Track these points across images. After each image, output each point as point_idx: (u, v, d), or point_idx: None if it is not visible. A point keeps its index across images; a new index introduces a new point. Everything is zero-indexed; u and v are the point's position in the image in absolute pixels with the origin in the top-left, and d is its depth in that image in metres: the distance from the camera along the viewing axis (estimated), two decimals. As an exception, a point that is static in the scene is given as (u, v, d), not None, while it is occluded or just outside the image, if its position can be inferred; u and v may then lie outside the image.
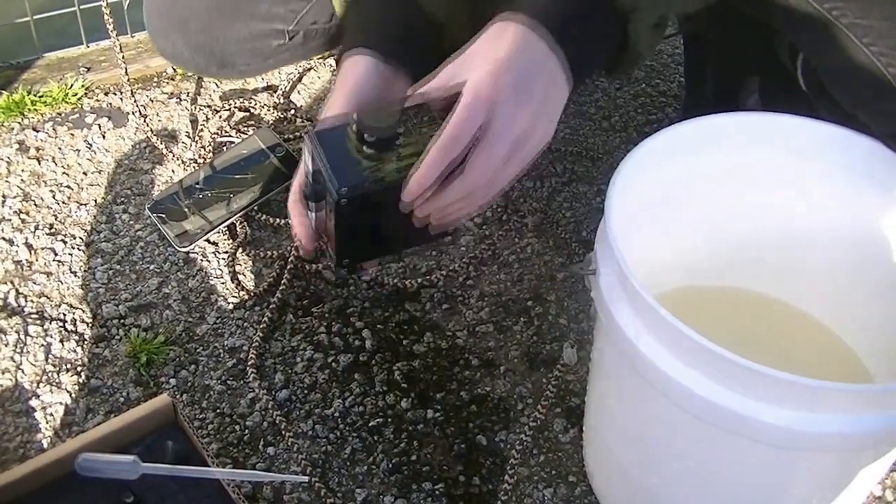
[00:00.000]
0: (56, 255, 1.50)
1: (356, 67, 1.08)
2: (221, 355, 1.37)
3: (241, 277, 1.47)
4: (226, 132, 1.68)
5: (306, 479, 1.23)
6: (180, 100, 1.76)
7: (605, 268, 0.97)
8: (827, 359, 1.18)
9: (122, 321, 1.41)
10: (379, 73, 1.10)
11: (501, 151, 0.97)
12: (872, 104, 1.19)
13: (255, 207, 1.54)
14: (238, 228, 1.53)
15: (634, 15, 1.00)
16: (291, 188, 1.08)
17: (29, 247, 1.51)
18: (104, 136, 1.69)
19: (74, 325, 1.40)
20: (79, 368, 1.35)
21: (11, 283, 1.46)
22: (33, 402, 1.32)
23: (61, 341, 1.38)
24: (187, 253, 1.49)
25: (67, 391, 1.33)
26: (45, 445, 1.28)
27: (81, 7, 1.82)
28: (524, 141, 0.99)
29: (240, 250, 1.50)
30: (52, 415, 1.31)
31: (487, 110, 0.94)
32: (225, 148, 1.65)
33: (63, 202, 1.58)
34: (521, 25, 0.96)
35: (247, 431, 1.29)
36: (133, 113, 1.73)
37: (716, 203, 1.17)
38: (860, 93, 1.20)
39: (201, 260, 1.49)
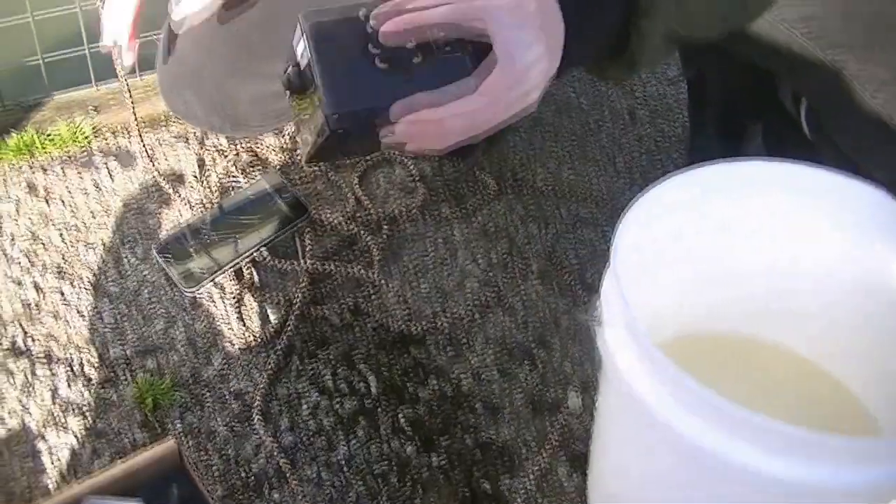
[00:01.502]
0: (64, 296, 1.51)
1: None
2: (227, 399, 1.38)
3: (247, 321, 1.48)
4: (233, 175, 1.70)
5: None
6: (188, 142, 1.78)
7: (610, 316, 0.98)
8: (833, 408, 1.18)
9: (128, 364, 1.42)
10: None
11: (510, 79, 0.95)
12: (875, 151, 1.20)
13: (262, 250, 1.55)
14: (244, 271, 1.54)
15: (645, 20, 1.00)
16: None
17: (37, 288, 1.52)
18: (112, 178, 1.70)
19: (81, 367, 1.41)
20: (85, 411, 1.36)
21: (19, 323, 1.47)
22: (40, 445, 1.33)
23: (68, 383, 1.39)
24: (194, 296, 1.50)
25: (74, 434, 1.34)
26: (51, 488, 1.29)
27: (91, 48, 1.83)
28: (524, 79, 0.97)
29: (246, 293, 1.51)
30: (58, 458, 1.31)
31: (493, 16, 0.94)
32: (232, 190, 1.66)
33: (71, 243, 1.59)
34: None
35: (252, 476, 1.30)
36: (141, 154, 1.74)
37: (720, 250, 1.18)
38: (863, 140, 1.21)
39: (208, 303, 1.50)
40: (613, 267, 0.97)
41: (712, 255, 1.17)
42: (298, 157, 1.46)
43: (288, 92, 0.96)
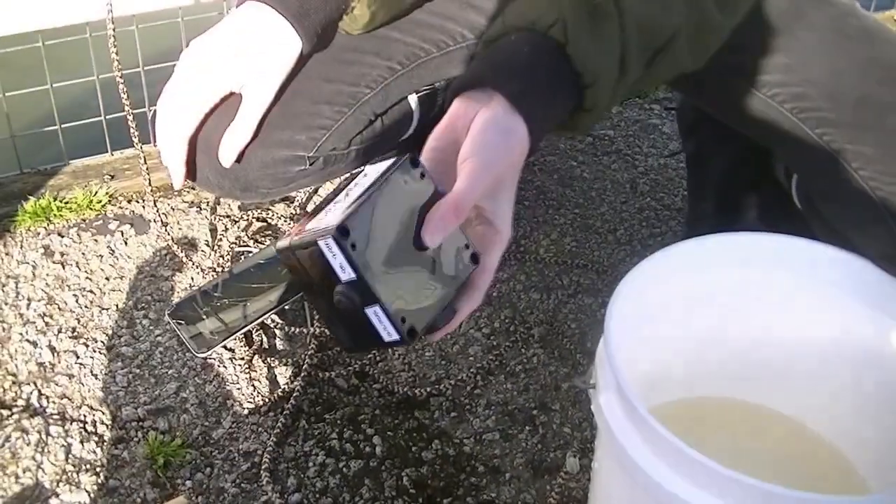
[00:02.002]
0: (78, 357, 1.54)
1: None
2: (236, 459, 1.41)
3: (256, 383, 1.51)
4: (243, 242, 1.74)
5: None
6: (200, 209, 1.82)
7: (604, 381, 1.01)
8: (823, 468, 1.21)
9: (140, 424, 1.45)
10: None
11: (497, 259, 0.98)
12: (861, 226, 1.24)
13: (271, 315, 1.59)
14: (254, 336, 1.57)
15: (595, 86, 1.03)
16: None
17: (52, 349, 1.56)
18: (126, 243, 1.75)
19: (94, 426, 1.45)
20: (98, 469, 1.39)
21: (34, 384, 1.50)
22: (53, 502, 1.35)
23: (81, 442, 1.42)
24: (205, 358, 1.54)
25: (86, 491, 1.37)
26: (64, 544, 1.32)
27: (107, 117, 1.88)
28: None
29: (255, 357, 1.55)
30: (71, 514, 1.35)
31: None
32: (243, 257, 1.70)
33: (86, 306, 1.63)
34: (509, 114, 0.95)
35: (259, 534, 1.33)
36: (155, 221, 1.79)
37: (715, 318, 1.21)
38: (850, 215, 1.24)
39: (218, 366, 1.54)
40: (607, 334, 1.01)
41: (704, 323, 1.20)
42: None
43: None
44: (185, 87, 1.26)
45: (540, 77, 0.97)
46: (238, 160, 1.29)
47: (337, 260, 0.88)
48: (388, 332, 0.88)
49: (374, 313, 0.88)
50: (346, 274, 0.88)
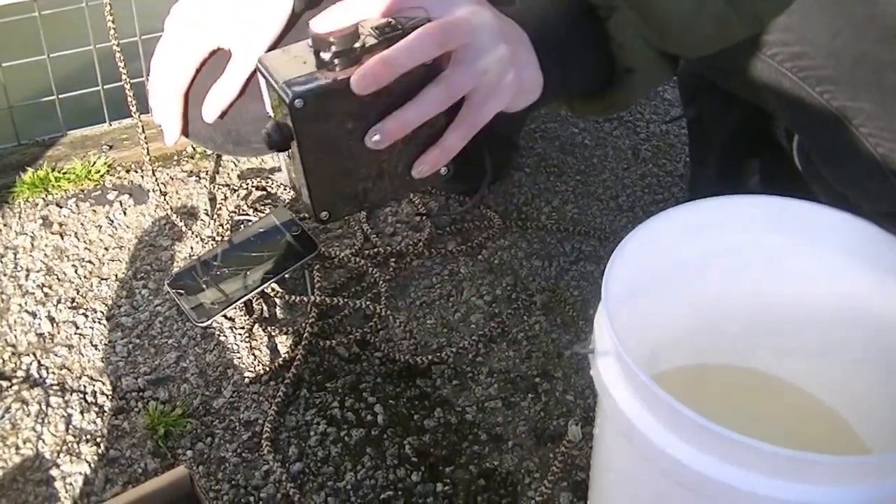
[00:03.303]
0: (77, 328, 1.54)
1: None
2: (237, 428, 1.41)
3: (256, 353, 1.51)
4: (243, 210, 1.73)
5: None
6: (199, 178, 1.81)
7: (603, 346, 1.01)
8: (825, 432, 1.20)
9: (140, 394, 1.45)
10: None
11: (483, 64, 0.93)
12: (862, 184, 1.23)
13: (272, 284, 1.58)
14: (254, 304, 1.57)
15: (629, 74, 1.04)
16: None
17: (51, 320, 1.55)
18: (125, 213, 1.74)
19: (94, 397, 1.44)
20: (98, 439, 1.39)
21: (34, 354, 1.50)
22: (53, 472, 1.35)
23: (81, 413, 1.42)
24: (205, 328, 1.53)
25: (87, 462, 1.36)
26: (65, 515, 1.31)
27: (105, 87, 1.87)
28: (506, 69, 0.96)
29: (256, 326, 1.54)
30: (71, 485, 1.34)
31: (465, 30, 0.92)
32: (242, 226, 1.70)
33: (85, 277, 1.62)
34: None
35: (261, 503, 1.33)
36: (153, 190, 1.78)
37: (716, 283, 1.20)
38: (851, 172, 1.24)
39: (218, 335, 1.53)
40: (605, 299, 1.00)
41: (706, 289, 1.19)
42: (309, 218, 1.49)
43: (282, 156, 0.96)
44: (176, 43, 1.26)
45: (566, 27, 1.00)
46: (222, 116, 1.28)
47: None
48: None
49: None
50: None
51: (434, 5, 0.94)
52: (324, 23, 0.91)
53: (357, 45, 0.90)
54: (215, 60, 1.27)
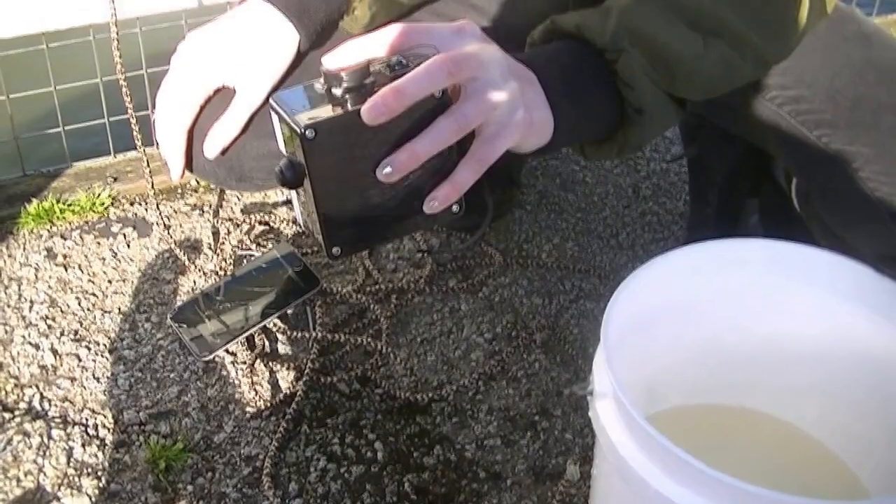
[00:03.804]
0: (80, 360, 1.55)
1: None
2: (238, 463, 1.42)
3: (258, 388, 1.51)
4: (246, 245, 1.75)
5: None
6: (203, 212, 1.83)
7: (601, 387, 1.02)
8: (824, 477, 1.21)
9: (142, 427, 1.46)
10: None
11: (493, 98, 0.94)
12: (860, 226, 1.25)
13: (273, 319, 1.59)
14: (256, 339, 1.58)
15: (635, 124, 1.06)
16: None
17: (54, 352, 1.56)
18: (129, 246, 1.75)
19: (96, 430, 1.45)
20: (99, 473, 1.39)
21: (36, 386, 1.50)
22: (54, 505, 1.36)
23: (83, 446, 1.43)
24: (207, 362, 1.54)
25: (88, 495, 1.37)
26: (66, 548, 1.32)
27: (110, 119, 1.89)
28: (516, 106, 0.96)
29: (257, 361, 1.55)
30: (72, 518, 1.35)
31: (475, 63, 0.93)
32: (245, 260, 1.71)
33: (88, 309, 1.63)
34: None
35: (260, 539, 1.33)
36: (157, 223, 1.79)
37: (714, 324, 1.21)
38: (849, 215, 1.25)
39: (220, 369, 1.54)
40: (604, 340, 1.01)
41: (704, 330, 1.20)
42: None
43: (294, 193, 0.97)
44: (181, 80, 1.27)
45: (575, 70, 1.02)
46: (224, 152, 1.29)
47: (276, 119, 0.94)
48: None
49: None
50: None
51: (443, 43, 0.95)
52: (335, 59, 0.93)
53: (368, 80, 0.92)
54: (220, 98, 1.29)
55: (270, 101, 0.95)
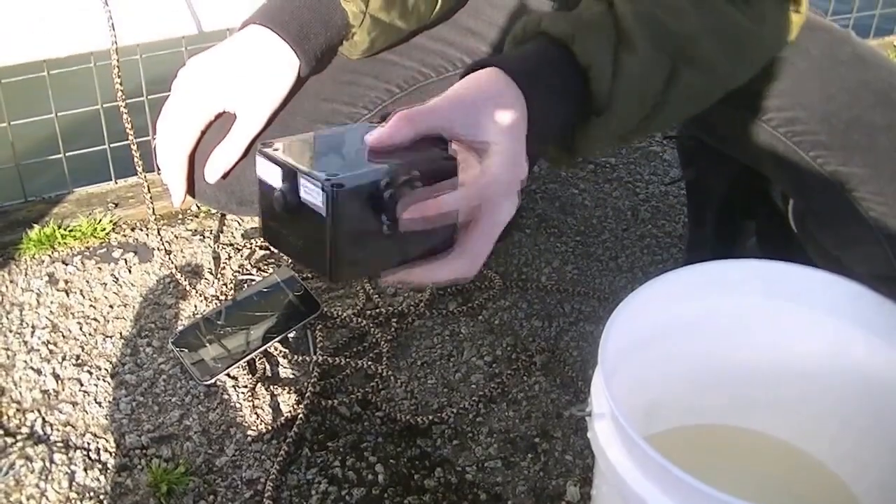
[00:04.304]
0: (82, 385, 1.55)
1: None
2: (239, 487, 1.42)
3: (259, 411, 1.52)
4: (246, 270, 1.75)
5: None
6: (203, 237, 1.83)
7: (600, 409, 1.02)
8: (822, 495, 1.21)
9: (144, 451, 1.46)
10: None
11: (499, 225, 1.00)
12: (856, 247, 1.25)
13: (274, 343, 1.60)
14: (257, 363, 1.58)
15: (596, 123, 1.06)
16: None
17: (56, 377, 1.56)
18: (130, 271, 1.76)
19: (98, 454, 1.45)
20: (101, 497, 1.40)
21: (38, 411, 1.51)
22: (57, 530, 1.36)
23: (85, 470, 1.43)
24: (208, 386, 1.54)
25: (90, 519, 1.37)
26: (68, 572, 1.32)
27: (111, 145, 1.90)
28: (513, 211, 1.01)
29: (258, 384, 1.56)
30: (74, 542, 1.35)
31: (494, 190, 0.98)
32: (246, 285, 1.72)
33: (90, 334, 1.64)
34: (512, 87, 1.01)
35: (262, 562, 1.33)
36: (158, 249, 1.80)
37: (711, 344, 1.22)
38: (844, 236, 1.26)
39: (221, 393, 1.54)
40: (601, 362, 1.01)
41: (702, 350, 1.21)
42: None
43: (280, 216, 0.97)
44: (182, 106, 1.28)
45: (539, 62, 1.03)
46: (225, 177, 1.30)
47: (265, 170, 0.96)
48: (320, 200, 0.91)
49: (303, 186, 0.92)
50: (278, 178, 0.95)
51: (464, 125, 0.97)
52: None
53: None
54: (220, 123, 1.30)
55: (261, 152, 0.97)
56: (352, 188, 0.90)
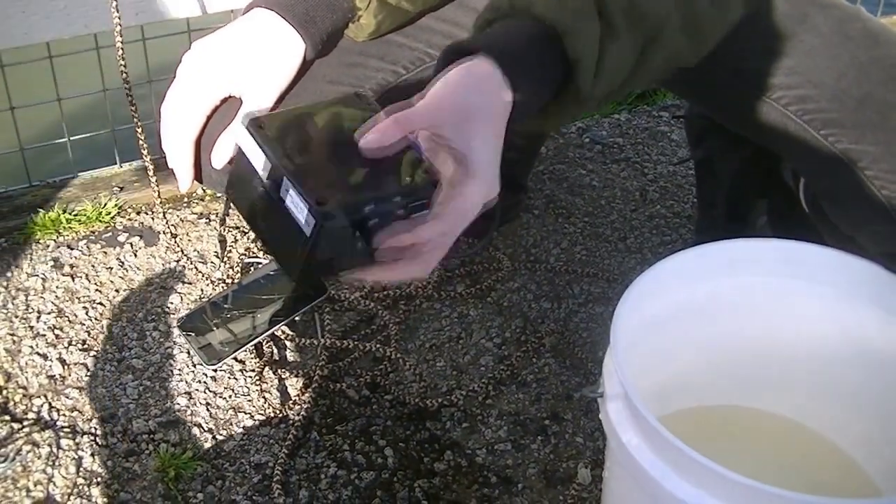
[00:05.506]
0: (88, 370, 1.54)
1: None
2: (247, 471, 1.41)
3: (266, 395, 1.51)
4: (253, 253, 1.74)
5: None
6: (209, 220, 1.83)
7: (612, 390, 1.01)
8: (834, 473, 1.21)
9: (151, 436, 1.45)
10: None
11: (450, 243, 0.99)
12: (868, 225, 1.24)
13: (281, 326, 1.59)
14: (264, 347, 1.57)
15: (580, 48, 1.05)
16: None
17: (62, 362, 1.56)
18: (136, 255, 1.75)
19: (105, 439, 1.45)
20: (109, 482, 1.39)
21: (45, 397, 1.50)
22: (64, 515, 1.36)
23: (92, 455, 1.42)
24: (215, 370, 1.54)
25: (98, 505, 1.37)
26: (76, 558, 1.31)
27: (116, 129, 1.89)
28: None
29: (266, 368, 1.55)
30: (82, 528, 1.34)
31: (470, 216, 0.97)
32: (252, 268, 1.70)
33: (96, 318, 1.63)
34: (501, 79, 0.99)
35: (271, 546, 1.33)
36: (164, 232, 1.79)
37: (724, 324, 1.21)
38: (856, 214, 1.25)
39: (229, 378, 1.54)
40: (613, 342, 1.00)
41: (714, 331, 1.20)
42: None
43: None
44: (187, 90, 1.27)
45: (527, 49, 1.02)
46: (231, 162, 1.29)
47: (249, 148, 0.94)
48: (304, 217, 0.90)
49: (289, 195, 0.91)
50: (260, 163, 0.93)
51: (452, 128, 0.96)
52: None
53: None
54: (226, 107, 1.28)
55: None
56: (339, 224, 0.90)
